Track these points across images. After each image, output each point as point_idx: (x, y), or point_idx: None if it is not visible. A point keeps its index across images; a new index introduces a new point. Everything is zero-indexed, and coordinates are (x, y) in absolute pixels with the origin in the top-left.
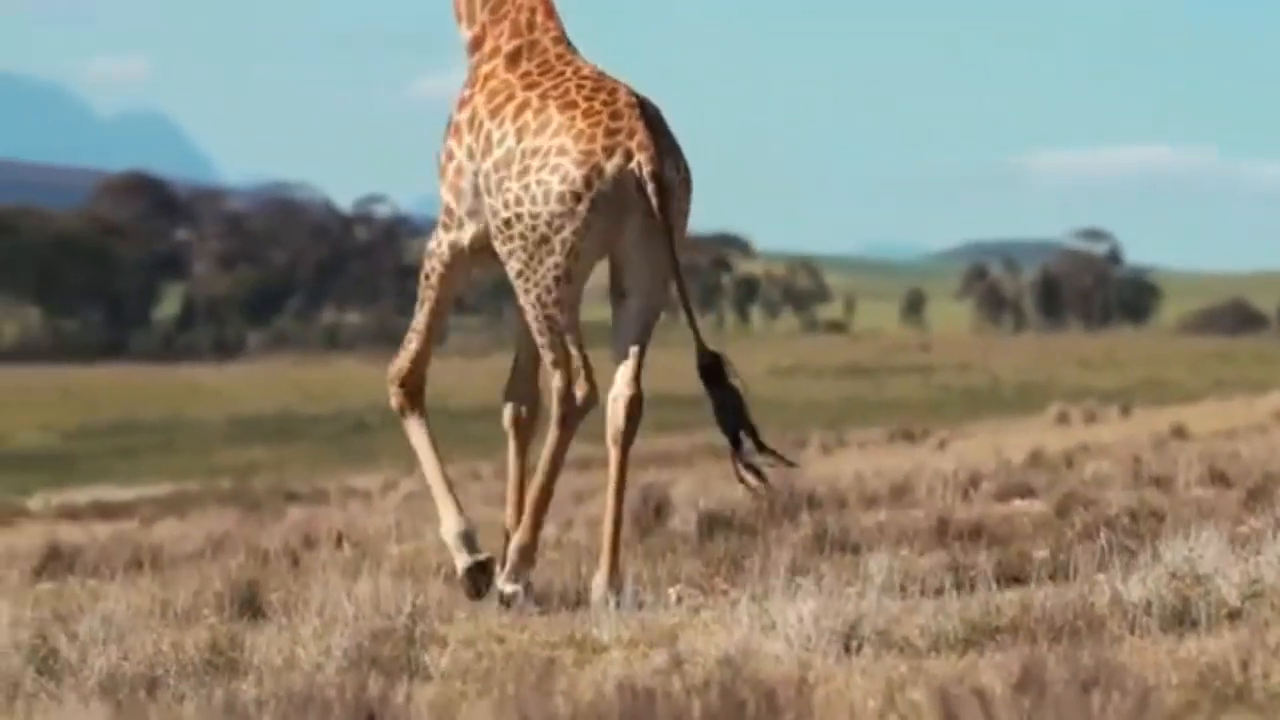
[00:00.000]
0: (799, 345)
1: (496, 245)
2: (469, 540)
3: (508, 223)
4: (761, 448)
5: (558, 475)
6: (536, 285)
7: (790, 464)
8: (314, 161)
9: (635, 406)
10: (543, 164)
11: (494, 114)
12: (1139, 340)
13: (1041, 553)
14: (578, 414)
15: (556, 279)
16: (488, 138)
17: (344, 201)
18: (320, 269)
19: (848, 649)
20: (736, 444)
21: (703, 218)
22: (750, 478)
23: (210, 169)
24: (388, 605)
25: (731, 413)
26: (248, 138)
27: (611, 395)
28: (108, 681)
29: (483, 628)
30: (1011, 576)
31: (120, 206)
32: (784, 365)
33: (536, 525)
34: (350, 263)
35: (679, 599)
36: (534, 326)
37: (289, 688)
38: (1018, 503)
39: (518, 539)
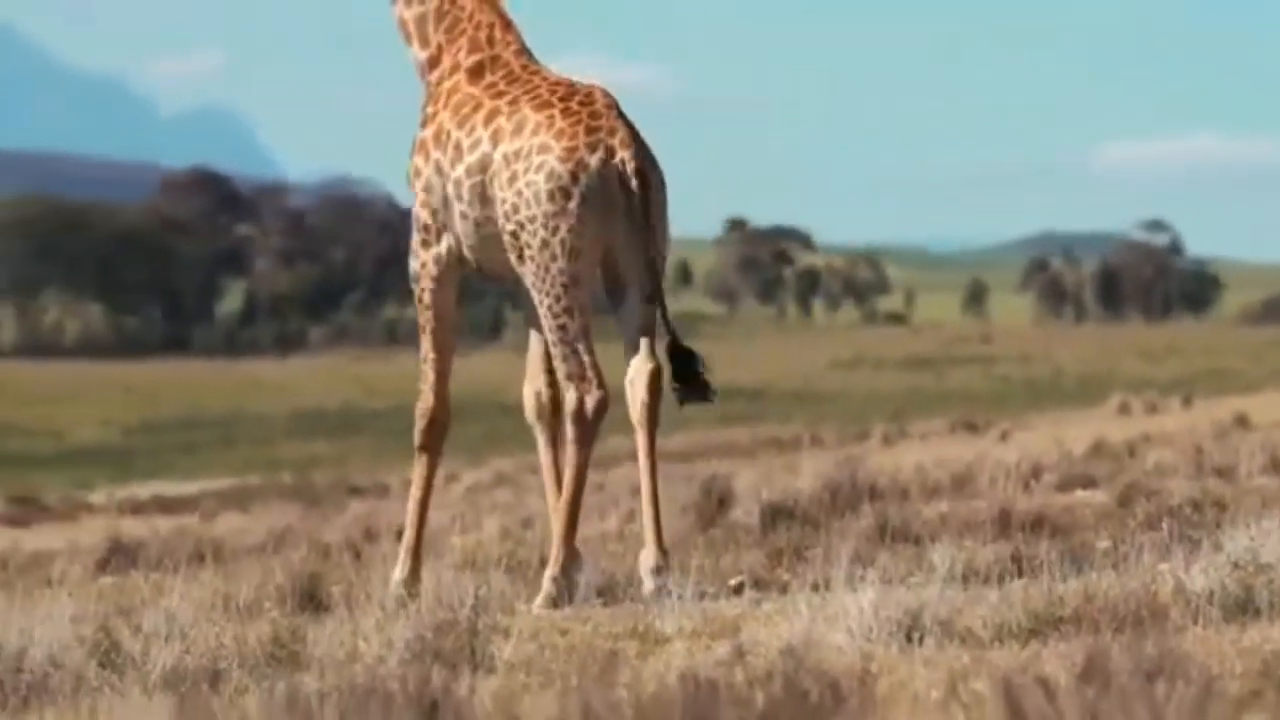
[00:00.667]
0: (860, 337)
1: (512, 260)
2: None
3: (514, 235)
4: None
5: (581, 497)
6: (548, 294)
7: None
8: (378, 157)
9: (655, 381)
10: (527, 165)
11: (462, 124)
12: (1200, 331)
13: (1104, 543)
14: (593, 429)
15: (564, 285)
16: (457, 147)
17: (406, 197)
18: (381, 264)
19: (910, 639)
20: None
21: (764, 211)
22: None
23: (274, 165)
24: (450, 597)
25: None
26: (312, 133)
27: (628, 379)
28: (170, 675)
29: (545, 619)
30: (1074, 567)
31: (183, 202)
32: (845, 357)
33: (569, 551)
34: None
35: (739, 588)
36: (549, 338)
37: (351, 680)
38: (1080, 493)
39: (550, 570)
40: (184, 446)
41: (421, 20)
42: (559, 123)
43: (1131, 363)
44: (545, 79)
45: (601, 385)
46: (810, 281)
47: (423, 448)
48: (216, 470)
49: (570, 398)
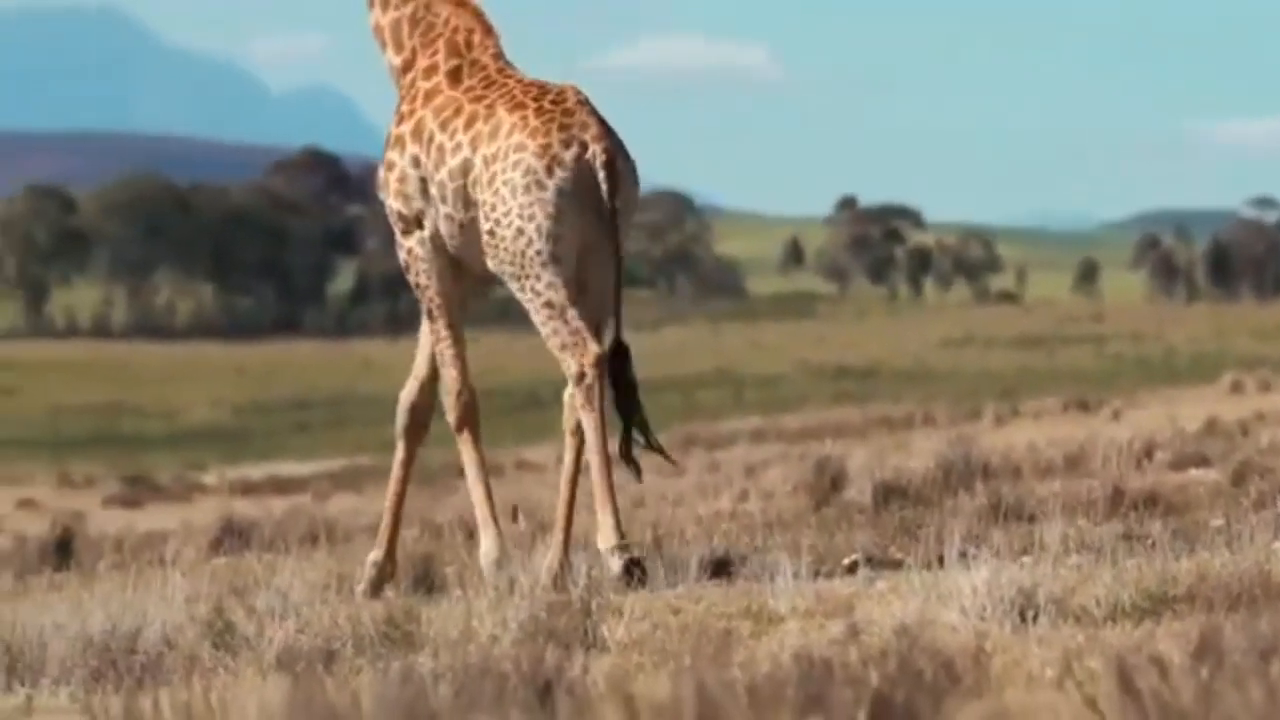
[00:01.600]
0: (971, 316)
1: (491, 265)
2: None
3: (491, 233)
4: (649, 444)
5: (609, 462)
6: (528, 277)
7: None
8: None
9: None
10: (504, 165)
11: (444, 126)
12: None
13: (1217, 521)
14: (596, 388)
15: (543, 264)
16: (440, 149)
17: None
18: None
19: (1024, 618)
20: (629, 434)
21: (874, 190)
22: (629, 468)
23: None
24: (563, 577)
25: (633, 407)
26: None
27: (569, 392)
28: (285, 655)
29: (659, 599)
30: (1187, 545)
31: (294, 183)
32: (957, 336)
33: (616, 514)
34: None
35: (853, 567)
36: (537, 320)
37: (465, 660)
38: (1193, 472)
39: (606, 542)
40: (296, 427)
41: (396, 26)
42: (532, 121)
43: (1244, 341)
44: (519, 81)
45: (594, 341)
46: (921, 260)
47: (461, 427)
48: (328, 451)
49: (569, 364)
